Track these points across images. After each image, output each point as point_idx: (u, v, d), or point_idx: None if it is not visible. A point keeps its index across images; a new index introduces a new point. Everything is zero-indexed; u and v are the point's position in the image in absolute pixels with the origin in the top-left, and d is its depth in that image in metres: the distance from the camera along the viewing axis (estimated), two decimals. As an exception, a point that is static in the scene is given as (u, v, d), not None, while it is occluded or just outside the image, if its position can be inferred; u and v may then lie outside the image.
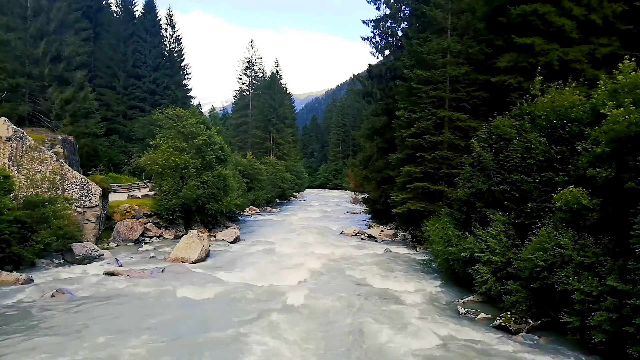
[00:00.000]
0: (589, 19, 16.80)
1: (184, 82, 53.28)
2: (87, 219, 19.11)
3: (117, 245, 20.32)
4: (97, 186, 19.57)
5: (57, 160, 18.99)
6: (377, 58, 31.10)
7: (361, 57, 47.10)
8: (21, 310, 10.58)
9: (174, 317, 10.46)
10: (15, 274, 13.12)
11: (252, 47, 70.90)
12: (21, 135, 18.12)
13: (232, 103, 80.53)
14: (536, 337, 9.81)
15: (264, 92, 66.62)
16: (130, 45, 45.92)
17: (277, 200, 52.94)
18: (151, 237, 22.13)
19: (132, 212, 22.56)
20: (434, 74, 20.59)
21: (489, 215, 12.71)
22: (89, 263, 16.05)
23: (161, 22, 50.25)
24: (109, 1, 49.82)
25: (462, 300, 12.51)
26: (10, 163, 17.64)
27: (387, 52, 30.59)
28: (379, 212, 30.50)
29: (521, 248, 10.96)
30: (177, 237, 22.20)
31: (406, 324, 10.50)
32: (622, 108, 9.16)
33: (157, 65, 47.24)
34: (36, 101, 28.96)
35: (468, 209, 14.54)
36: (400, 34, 29.20)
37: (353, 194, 49.58)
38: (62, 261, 16.04)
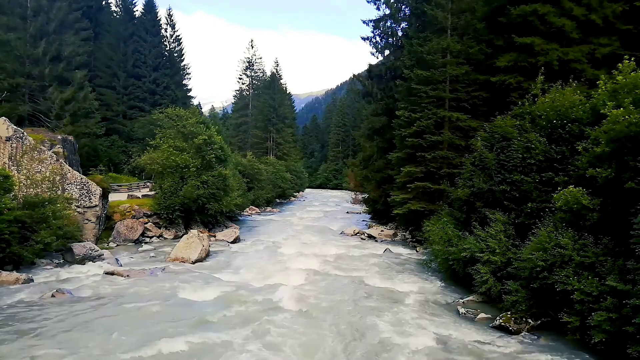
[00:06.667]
0: (589, 19, 16.78)
1: (184, 82, 53.36)
2: (87, 219, 19.11)
3: (117, 245, 20.32)
4: (97, 186, 19.56)
5: (57, 160, 18.99)
6: (377, 58, 31.14)
7: (361, 57, 47.19)
8: (21, 310, 10.57)
9: (174, 317, 10.45)
10: (15, 274, 13.11)
11: (252, 47, 71.02)
12: (21, 135, 18.12)
13: (232, 103, 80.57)
14: (536, 337, 9.81)
15: (264, 92, 66.66)
16: (130, 45, 45.93)
17: (277, 200, 52.92)
18: (151, 237, 22.13)
19: (132, 212, 22.55)
20: (434, 73, 20.58)
21: (489, 215, 12.71)
22: (89, 263, 16.05)
23: (161, 22, 50.29)
24: (109, 1, 49.90)
25: (462, 300, 12.51)
26: (10, 163, 17.64)
27: (387, 52, 30.58)
28: (379, 212, 30.49)
29: (521, 248, 10.96)
30: (177, 237, 22.20)
31: (406, 323, 10.50)
32: (622, 108, 9.16)
33: (157, 65, 47.24)
34: (36, 101, 28.97)
35: (468, 208, 14.53)
36: (400, 34, 29.20)
37: (353, 194, 49.58)
38: (62, 261, 16.05)
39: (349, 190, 57.03)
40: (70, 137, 24.41)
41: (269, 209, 44.46)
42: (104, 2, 48.99)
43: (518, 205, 12.25)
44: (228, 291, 12.89)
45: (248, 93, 71.52)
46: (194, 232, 18.76)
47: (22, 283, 12.76)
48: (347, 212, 42.28)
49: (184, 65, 53.65)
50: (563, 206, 9.93)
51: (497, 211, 12.63)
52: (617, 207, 9.19)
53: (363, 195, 37.62)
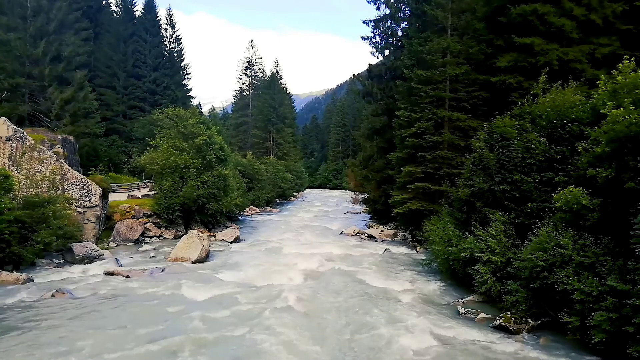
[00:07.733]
0: (589, 19, 16.79)
1: (184, 82, 53.39)
2: (87, 219, 19.11)
3: (117, 245, 20.32)
4: (97, 186, 19.57)
5: (57, 160, 18.99)
6: (377, 58, 31.12)
7: (361, 57, 47.09)
8: (21, 310, 10.58)
9: (174, 317, 10.46)
10: (15, 274, 13.12)
11: (252, 47, 70.94)
12: (21, 135, 18.12)
13: (232, 103, 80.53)
14: (536, 337, 9.81)
15: (264, 92, 66.68)
16: (130, 45, 45.93)
17: (277, 200, 52.93)
18: (151, 237, 22.13)
19: (132, 212, 22.56)
20: (434, 73, 20.58)
21: (489, 215, 12.71)
22: (89, 263, 16.06)
23: (161, 22, 50.32)
24: (109, 1, 49.91)
25: (462, 300, 12.51)
26: (10, 163, 17.64)
27: (387, 52, 30.57)
28: (379, 212, 30.49)
29: (521, 248, 10.96)
30: (177, 237, 22.20)
31: (406, 323, 10.50)
32: (622, 108, 9.16)
33: (157, 65, 47.27)
34: (36, 101, 28.99)
35: (468, 208, 14.53)
36: (400, 34, 29.20)
37: (353, 194, 49.53)
38: (62, 261, 16.04)
39: (349, 190, 56.98)
40: (70, 137, 24.42)
41: (269, 209, 44.47)
42: (104, 2, 49.02)
43: (518, 205, 12.26)
44: (228, 291, 12.90)
45: (248, 93, 71.48)
46: (194, 232, 18.75)
47: (22, 283, 12.76)
48: (347, 212, 42.28)
49: (184, 65, 53.73)
50: (563, 206, 9.93)
51: (497, 211, 12.63)
52: (617, 207, 9.19)
53: (363, 195, 37.59)
